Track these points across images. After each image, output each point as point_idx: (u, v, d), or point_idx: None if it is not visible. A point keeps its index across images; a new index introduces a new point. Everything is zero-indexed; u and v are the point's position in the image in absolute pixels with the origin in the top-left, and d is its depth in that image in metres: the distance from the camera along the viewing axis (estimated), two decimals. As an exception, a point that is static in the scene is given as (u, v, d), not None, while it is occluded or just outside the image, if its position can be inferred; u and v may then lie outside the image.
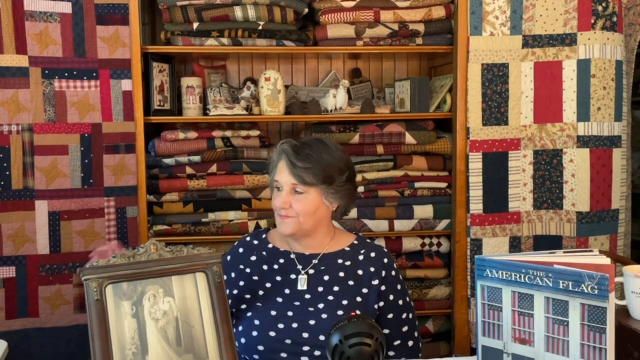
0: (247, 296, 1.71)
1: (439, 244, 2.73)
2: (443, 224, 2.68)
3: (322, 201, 1.71)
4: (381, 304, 1.72)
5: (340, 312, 1.64)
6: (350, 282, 1.71)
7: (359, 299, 1.69)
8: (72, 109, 2.44)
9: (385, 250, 1.81)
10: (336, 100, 2.65)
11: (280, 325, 1.63)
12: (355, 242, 1.80)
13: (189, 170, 2.58)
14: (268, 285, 1.72)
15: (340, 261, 1.75)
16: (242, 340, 1.65)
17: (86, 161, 2.45)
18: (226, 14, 2.51)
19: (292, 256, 1.76)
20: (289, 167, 1.68)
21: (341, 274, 1.72)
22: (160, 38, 2.58)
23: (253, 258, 1.78)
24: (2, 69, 2.35)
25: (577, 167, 2.56)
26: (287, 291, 1.70)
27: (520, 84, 2.57)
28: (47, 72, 2.40)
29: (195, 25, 2.51)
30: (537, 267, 1.25)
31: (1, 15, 2.34)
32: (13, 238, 2.40)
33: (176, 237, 2.57)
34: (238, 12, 2.51)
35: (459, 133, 2.59)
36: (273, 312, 1.66)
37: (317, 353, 1.60)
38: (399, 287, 1.76)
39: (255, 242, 1.82)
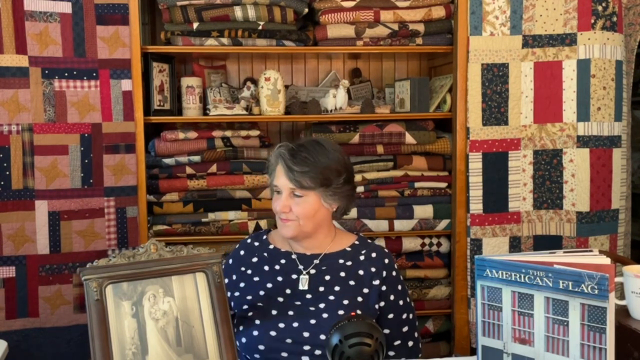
0: (249, 297, 1.71)
1: (439, 244, 2.73)
2: (443, 224, 2.68)
3: (322, 204, 1.71)
4: (382, 304, 1.73)
5: (341, 312, 1.65)
6: (351, 282, 1.72)
7: (359, 298, 1.70)
8: (72, 109, 2.44)
9: (386, 250, 1.82)
10: (336, 100, 2.65)
11: (281, 325, 1.64)
12: (357, 242, 1.81)
13: (189, 170, 2.58)
14: (269, 285, 1.72)
15: (341, 261, 1.75)
16: (243, 339, 1.66)
17: (86, 161, 2.45)
18: (226, 14, 2.51)
19: (294, 257, 1.76)
20: (286, 172, 1.68)
21: (342, 274, 1.73)
22: (160, 38, 2.58)
23: (254, 259, 1.79)
24: (2, 69, 2.35)
25: (577, 167, 2.56)
26: (288, 291, 1.70)
27: (520, 84, 2.57)
28: (47, 72, 2.40)
29: (195, 25, 2.51)
30: (537, 267, 1.25)
31: (1, 15, 2.34)
32: (13, 238, 2.40)
33: (176, 237, 2.57)
34: (238, 12, 2.51)
35: (459, 133, 2.59)
36: (274, 312, 1.66)
37: (317, 352, 1.60)
38: (399, 287, 1.77)
39: (256, 243, 1.83)
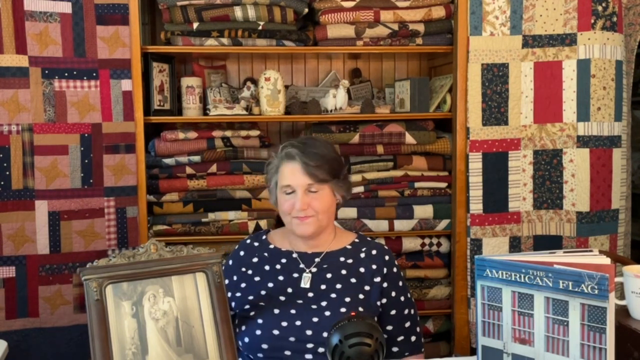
0: (250, 297, 1.72)
1: (439, 244, 2.73)
2: (443, 224, 2.68)
3: (334, 196, 1.76)
4: (384, 301, 1.74)
5: (343, 310, 1.66)
6: (353, 280, 1.73)
7: (361, 296, 1.71)
8: (72, 109, 2.44)
9: (386, 247, 1.84)
10: (336, 100, 2.65)
11: (284, 324, 1.64)
12: (357, 240, 1.83)
13: (189, 170, 2.58)
14: (270, 285, 1.72)
15: (342, 259, 1.77)
16: (246, 339, 1.66)
17: (86, 161, 2.45)
18: (226, 14, 2.51)
19: (295, 255, 1.77)
20: (303, 168, 1.70)
21: (343, 272, 1.74)
22: (160, 38, 2.58)
23: (255, 260, 1.79)
24: (2, 69, 2.35)
25: (577, 167, 2.56)
26: (289, 290, 1.71)
27: (520, 84, 2.57)
28: (47, 72, 2.40)
29: (195, 25, 2.51)
30: (537, 267, 1.25)
31: (1, 15, 2.34)
32: (13, 238, 2.40)
33: (176, 237, 2.57)
34: (238, 12, 2.51)
35: (459, 133, 2.59)
36: (276, 311, 1.67)
37: (320, 350, 1.61)
38: (400, 283, 1.79)
39: (256, 244, 1.83)
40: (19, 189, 2.40)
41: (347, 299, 1.68)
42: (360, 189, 2.66)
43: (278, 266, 1.76)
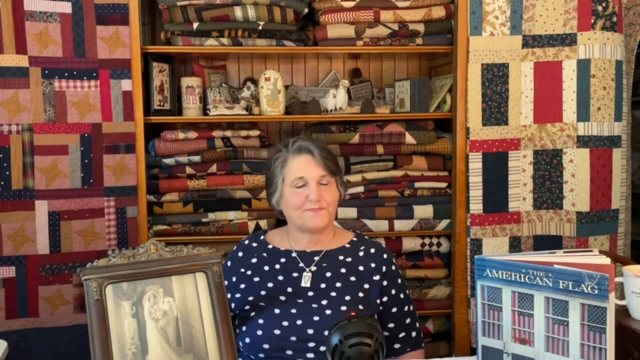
0: (250, 298, 1.72)
1: (439, 244, 2.73)
2: (443, 224, 2.68)
3: (339, 190, 1.80)
4: (385, 299, 1.75)
5: (343, 308, 1.66)
6: (352, 278, 1.73)
7: (361, 294, 1.71)
8: (72, 109, 2.43)
9: (384, 246, 1.86)
10: (336, 100, 2.65)
11: (285, 323, 1.64)
12: (355, 239, 1.84)
13: (189, 170, 2.58)
14: (270, 285, 1.72)
15: (341, 258, 1.77)
16: (247, 340, 1.66)
17: (86, 161, 2.45)
18: (226, 14, 2.51)
19: (294, 255, 1.77)
20: (317, 159, 1.74)
21: (343, 271, 1.74)
22: (160, 38, 2.58)
23: (253, 260, 1.79)
24: (2, 69, 2.35)
25: (577, 167, 2.56)
26: (289, 289, 1.71)
27: (520, 84, 2.57)
28: (47, 72, 2.40)
29: (195, 25, 2.51)
30: (537, 267, 1.26)
31: (1, 15, 2.34)
32: (13, 238, 2.40)
33: (176, 237, 2.57)
34: (238, 12, 2.51)
35: (459, 133, 2.59)
36: (277, 311, 1.67)
37: (322, 349, 1.61)
38: (399, 281, 1.81)
39: (255, 244, 1.83)
40: (19, 189, 2.40)
41: (347, 297, 1.69)
42: (360, 189, 2.66)
43: (277, 266, 1.76)
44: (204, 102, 2.67)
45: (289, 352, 1.63)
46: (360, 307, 1.69)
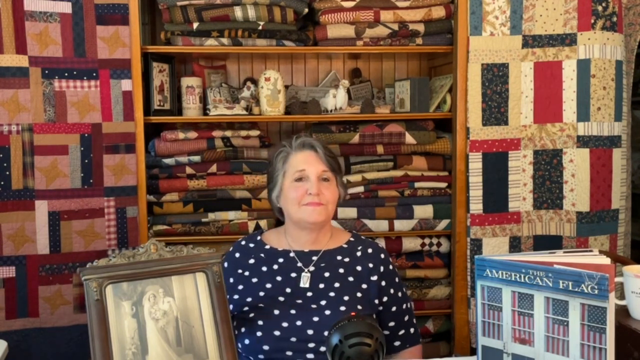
0: (249, 299, 1.71)
1: (439, 244, 2.73)
2: (443, 224, 2.68)
3: (339, 190, 1.80)
4: (385, 299, 1.76)
5: (342, 308, 1.67)
6: (350, 278, 1.74)
7: (359, 294, 1.72)
8: (72, 109, 2.44)
9: (381, 246, 1.87)
10: (336, 100, 2.65)
11: (285, 324, 1.64)
12: (352, 239, 1.85)
13: (189, 170, 2.58)
14: (268, 285, 1.72)
15: (339, 258, 1.78)
16: (246, 341, 1.66)
17: (86, 161, 2.45)
18: (226, 14, 2.51)
19: (292, 255, 1.77)
20: (318, 155, 1.76)
21: (341, 271, 1.75)
22: (160, 38, 2.58)
23: (251, 261, 1.79)
24: (2, 69, 2.35)
25: (577, 167, 2.56)
26: (288, 290, 1.71)
27: (520, 84, 2.57)
28: (47, 72, 2.40)
29: (195, 25, 2.51)
30: (537, 267, 1.25)
31: (1, 15, 2.34)
32: (13, 238, 2.40)
33: (176, 237, 2.57)
34: (238, 12, 2.51)
35: (459, 133, 2.59)
36: (276, 312, 1.66)
37: (322, 349, 1.61)
38: (396, 280, 1.82)
39: (252, 245, 1.83)
40: (19, 189, 2.40)
41: (346, 298, 1.69)
42: (360, 189, 2.66)
43: (275, 266, 1.76)
44: (204, 102, 2.67)
45: (289, 353, 1.63)
46: (359, 307, 1.69)
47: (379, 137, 2.63)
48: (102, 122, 2.46)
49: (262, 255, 1.79)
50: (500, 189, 2.60)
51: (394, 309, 1.78)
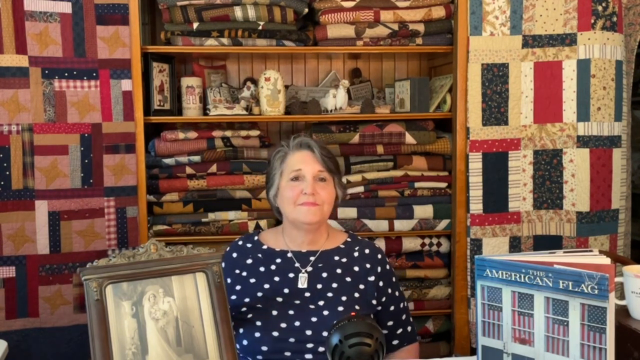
0: (246, 300, 1.71)
1: (439, 244, 2.73)
2: (443, 224, 2.68)
3: (335, 191, 1.80)
4: (383, 299, 1.77)
5: (341, 308, 1.67)
6: (348, 279, 1.74)
7: (356, 294, 1.72)
8: (72, 109, 2.44)
9: (377, 246, 1.88)
10: (336, 100, 2.65)
11: (283, 325, 1.64)
12: (349, 239, 1.85)
13: (189, 170, 2.58)
14: (266, 286, 1.72)
15: (336, 258, 1.78)
16: (244, 342, 1.66)
17: (86, 161, 2.45)
18: (226, 14, 2.51)
19: (289, 255, 1.77)
20: (315, 155, 1.76)
21: (338, 271, 1.75)
22: (160, 38, 2.58)
23: (248, 261, 1.78)
24: (2, 69, 2.35)
25: (577, 167, 2.56)
26: (286, 290, 1.71)
27: (520, 84, 2.57)
28: (47, 72, 2.40)
29: (195, 25, 2.51)
30: (537, 267, 1.25)
31: (1, 15, 2.34)
32: (13, 238, 2.40)
33: (176, 237, 2.57)
34: (238, 12, 2.51)
35: (459, 133, 2.59)
36: (274, 312, 1.66)
37: (320, 349, 1.61)
38: (393, 279, 1.83)
39: (248, 245, 1.83)
40: (19, 189, 2.40)
41: (344, 298, 1.69)
42: (360, 189, 2.66)
43: (273, 267, 1.75)
44: (204, 102, 2.67)
45: (288, 354, 1.62)
46: (357, 306, 1.69)
47: (379, 137, 2.63)
48: (102, 122, 2.46)
49: (260, 255, 1.79)
50: (500, 189, 2.60)
51: (392, 308, 1.79)
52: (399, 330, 1.80)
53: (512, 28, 2.54)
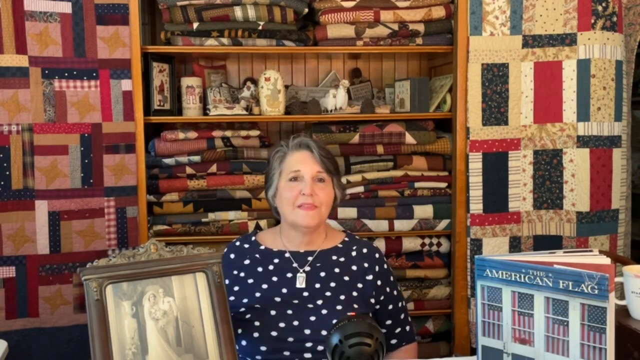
0: (245, 300, 1.71)
1: (439, 244, 2.73)
2: (443, 224, 2.68)
3: (335, 192, 1.80)
4: (381, 298, 1.78)
5: (339, 307, 1.67)
6: (346, 278, 1.74)
7: (355, 293, 1.73)
8: (72, 109, 2.44)
9: (375, 245, 1.88)
10: (336, 100, 2.65)
11: (282, 324, 1.64)
12: (347, 239, 1.86)
13: (189, 170, 2.58)
14: (265, 286, 1.72)
15: (334, 257, 1.78)
16: (243, 342, 1.66)
17: (86, 161, 2.45)
18: (226, 14, 2.51)
19: (287, 255, 1.77)
20: (314, 156, 1.75)
21: (336, 270, 1.75)
22: (160, 38, 2.58)
23: (246, 262, 1.78)
24: (2, 69, 2.35)
25: (577, 167, 2.56)
26: (284, 290, 1.71)
27: (520, 84, 2.57)
28: (47, 72, 2.40)
29: (195, 25, 2.51)
30: (537, 267, 1.25)
31: (1, 15, 2.34)
32: (13, 238, 2.40)
33: (176, 237, 2.57)
34: (238, 12, 2.51)
35: (459, 133, 2.59)
36: (273, 312, 1.66)
37: (319, 348, 1.61)
38: (391, 278, 1.84)
39: (246, 245, 1.83)
40: (19, 189, 2.40)
41: (342, 297, 1.70)
42: (360, 189, 2.66)
43: (271, 267, 1.75)
44: (204, 102, 2.67)
45: (287, 353, 1.63)
46: (355, 305, 1.70)
47: (379, 137, 2.63)
48: (102, 122, 2.46)
49: (257, 256, 1.79)
50: (500, 189, 2.60)
51: (390, 307, 1.79)
52: (398, 330, 1.81)
53: (512, 28, 2.54)
